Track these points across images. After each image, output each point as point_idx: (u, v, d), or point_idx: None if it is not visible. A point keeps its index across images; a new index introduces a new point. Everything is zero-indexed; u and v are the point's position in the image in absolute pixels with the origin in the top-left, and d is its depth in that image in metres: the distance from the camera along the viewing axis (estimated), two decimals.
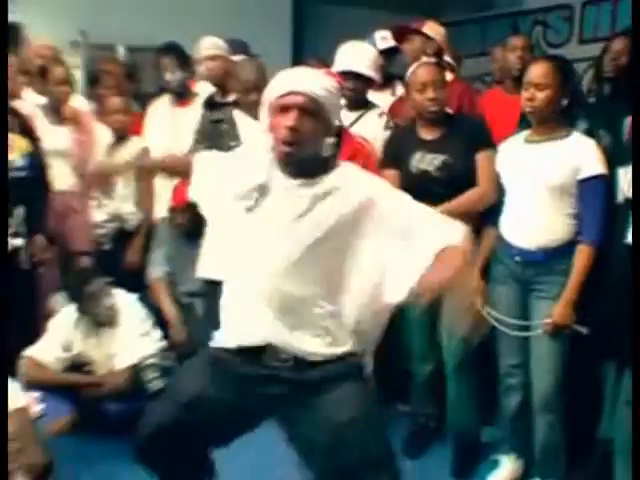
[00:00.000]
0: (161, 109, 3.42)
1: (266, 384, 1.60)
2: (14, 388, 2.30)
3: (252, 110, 2.76)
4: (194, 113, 3.21)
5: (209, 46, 3.17)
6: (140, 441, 1.71)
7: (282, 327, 1.59)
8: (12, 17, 3.86)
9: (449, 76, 2.78)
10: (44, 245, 2.95)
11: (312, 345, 1.60)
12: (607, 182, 2.17)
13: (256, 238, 1.61)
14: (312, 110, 1.55)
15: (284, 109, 1.55)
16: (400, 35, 2.96)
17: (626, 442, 2.15)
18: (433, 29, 2.83)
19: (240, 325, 1.65)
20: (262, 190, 1.60)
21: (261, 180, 1.60)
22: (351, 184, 1.62)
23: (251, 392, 1.61)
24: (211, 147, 2.81)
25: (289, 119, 1.53)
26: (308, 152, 1.58)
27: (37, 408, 2.79)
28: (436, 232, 1.58)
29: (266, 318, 1.59)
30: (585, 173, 2.15)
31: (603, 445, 2.36)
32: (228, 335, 1.67)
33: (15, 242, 2.86)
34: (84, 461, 2.49)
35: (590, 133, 2.32)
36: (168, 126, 3.31)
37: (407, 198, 1.67)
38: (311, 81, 1.58)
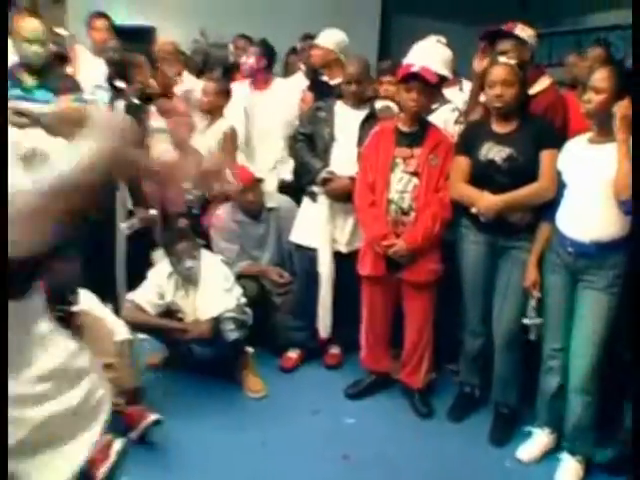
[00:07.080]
0: (241, 92, 3.64)
1: None
2: (118, 324, 2.57)
3: (351, 99, 2.92)
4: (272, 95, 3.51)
5: (322, 38, 3.47)
6: None
7: None
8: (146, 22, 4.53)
9: (546, 81, 2.68)
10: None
11: None
12: None
13: None
14: None
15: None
16: (491, 37, 2.70)
17: None
18: (524, 31, 2.64)
19: None
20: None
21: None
22: None
23: None
24: (311, 131, 2.99)
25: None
26: None
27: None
28: None
29: None
30: None
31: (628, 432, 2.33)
32: None
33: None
34: (172, 393, 2.73)
35: None
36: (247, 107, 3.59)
37: None
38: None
